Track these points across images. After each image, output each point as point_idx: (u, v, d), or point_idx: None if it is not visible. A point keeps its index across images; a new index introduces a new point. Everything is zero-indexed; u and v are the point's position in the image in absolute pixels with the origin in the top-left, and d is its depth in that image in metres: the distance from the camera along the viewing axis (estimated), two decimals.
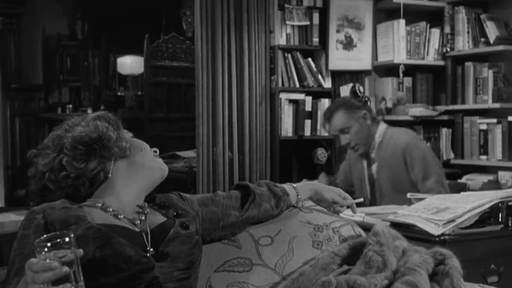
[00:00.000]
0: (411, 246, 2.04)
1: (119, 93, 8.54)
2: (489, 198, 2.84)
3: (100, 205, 1.72)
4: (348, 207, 2.31)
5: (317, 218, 2.17)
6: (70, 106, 8.22)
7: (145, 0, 7.97)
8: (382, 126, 3.74)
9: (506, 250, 2.86)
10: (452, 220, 2.72)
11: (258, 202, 2.03)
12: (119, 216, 1.72)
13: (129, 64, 8.51)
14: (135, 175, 1.79)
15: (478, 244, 2.81)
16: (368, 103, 3.86)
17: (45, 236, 1.38)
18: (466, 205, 2.80)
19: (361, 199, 2.50)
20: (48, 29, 8.20)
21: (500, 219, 2.87)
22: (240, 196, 2.04)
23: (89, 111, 8.10)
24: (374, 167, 3.72)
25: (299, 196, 2.18)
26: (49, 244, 1.34)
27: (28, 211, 1.68)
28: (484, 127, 4.64)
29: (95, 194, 1.75)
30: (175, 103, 7.05)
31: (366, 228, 2.25)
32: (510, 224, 2.88)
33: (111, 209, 1.72)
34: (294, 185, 2.19)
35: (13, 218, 1.85)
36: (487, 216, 2.86)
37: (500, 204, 2.86)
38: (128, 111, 8.26)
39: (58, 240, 1.35)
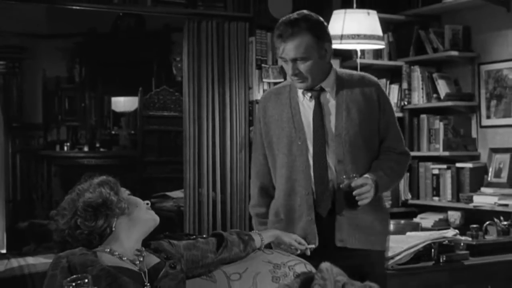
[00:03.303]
0: (350, 280, 2.61)
1: (113, 132, 8.75)
2: (423, 239, 3.36)
3: (108, 250, 2.20)
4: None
5: (276, 258, 2.58)
6: (68, 144, 8.42)
7: (138, 47, 8.25)
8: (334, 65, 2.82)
9: (437, 282, 3.33)
10: (391, 258, 3.24)
11: (230, 247, 2.52)
12: (123, 258, 2.19)
13: (123, 102, 8.71)
14: (134, 227, 2.23)
15: (413, 278, 3.28)
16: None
17: (70, 278, 1.92)
18: (404, 245, 3.31)
19: (313, 246, 2.74)
20: (48, 72, 8.39)
21: (432, 256, 3.41)
22: (215, 242, 2.53)
23: (86, 148, 8.41)
24: (332, 113, 2.74)
25: (263, 241, 2.63)
26: (74, 284, 1.82)
27: (55, 256, 2.13)
28: (436, 171, 5.05)
29: (104, 243, 2.23)
30: (165, 148, 7.43)
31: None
32: (440, 261, 3.40)
33: (117, 253, 2.19)
34: (259, 232, 2.69)
35: (43, 261, 2.37)
36: (422, 254, 3.40)
37: (432, 244, 3.39)
38: (122, 149, 8.52)
39: (79, 281, 1.90)
